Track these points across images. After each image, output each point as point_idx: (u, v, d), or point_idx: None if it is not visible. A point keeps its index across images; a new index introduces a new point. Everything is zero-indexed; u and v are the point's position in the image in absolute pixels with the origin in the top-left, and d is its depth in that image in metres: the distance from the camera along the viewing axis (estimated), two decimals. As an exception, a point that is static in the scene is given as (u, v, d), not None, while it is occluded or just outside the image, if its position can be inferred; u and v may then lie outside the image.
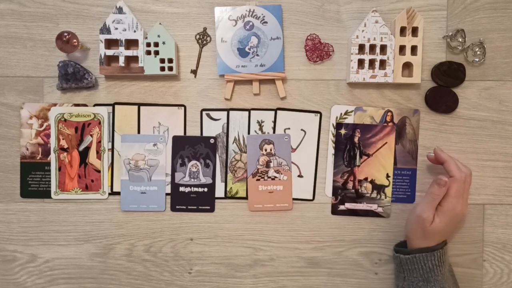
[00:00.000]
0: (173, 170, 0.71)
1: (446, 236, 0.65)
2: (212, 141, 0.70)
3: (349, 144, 0.71)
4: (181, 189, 0.71)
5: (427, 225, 0.63)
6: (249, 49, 0.69)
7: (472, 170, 0.71)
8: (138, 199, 0.71)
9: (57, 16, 0.70)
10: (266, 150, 0.70)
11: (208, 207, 0.71)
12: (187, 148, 0.70)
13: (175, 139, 0.71)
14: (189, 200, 0.71)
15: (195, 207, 0.71)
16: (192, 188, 0.71)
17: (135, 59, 0.69)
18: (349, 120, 0.71)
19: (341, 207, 0.71)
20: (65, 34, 0.67)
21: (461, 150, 0.71)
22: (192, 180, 0.71)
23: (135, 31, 0.67)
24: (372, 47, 0.67)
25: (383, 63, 0.68)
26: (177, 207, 0.71)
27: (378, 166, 0.71)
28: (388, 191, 0.71)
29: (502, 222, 0.71)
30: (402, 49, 0.68)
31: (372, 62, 0.67)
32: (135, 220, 0.71)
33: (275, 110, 0.71)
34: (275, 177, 0.70)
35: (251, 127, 0.71)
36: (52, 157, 0.70)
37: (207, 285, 0.72)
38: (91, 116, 0.70)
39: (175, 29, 0.70)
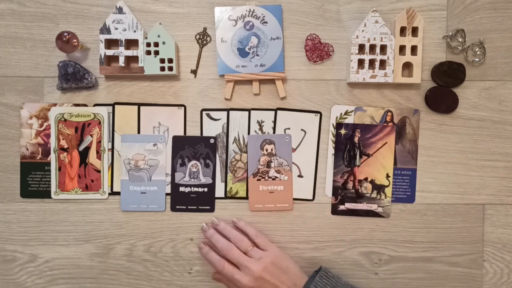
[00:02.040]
0: (173, 170, 0.71)
1: None
2: (212, 141, 0.70)
3: (349, 144, 0.71)
4: (181, 189, 0.71)
5: None
6: (249, 49, 0.69)
7: (472, 170, 0.71)
8: (138, 199, 0.71)
9: (57, 16, 0.70)
10: (267, 150, 0.70)
11: (208, 207, 0.71)
12: (187, 148, 0.70)
13: (175, 139, 0.71)
14: (189, 200, 0.71)
15: (195, 207, 0.71)
16: (192, 188, 0.71)
17: (135, 59, 0.69)
18: (349, 120, 0.71)
19: (341, 207, 0.71)
20: (65, 34, 0.67)
21: (461, 150, 0.71)
22: (192, 180, 0.71)
23: (135, 31, 0.67)
24: (372, 47, 0.67)
25: (383, 63, 0.68)
26: (177, 207, 0.71)
27: (378, 166, 0.71)
28: (388, 191, 0.71)
29: (502, 222, 0.71)
30: (402, 49, 0.68)
31: (372, 62, 0.67)
32: (135, 220, 0.71)
33: (275, 110, 0.71)
34: (276, 177, 0.70)
35: (251, 127, 0.71)
36: (52, 157, 0.70)
37: (207, 285, 0.72)
38: (91, 116, 0.70)
39: (175, 29, 0.70)
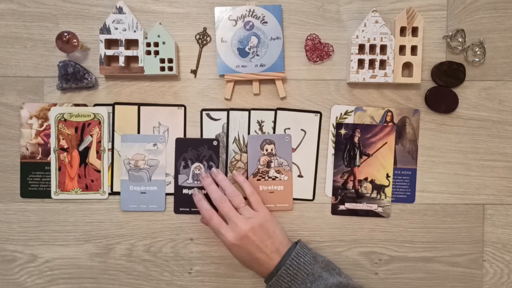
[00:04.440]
0: (176, 172, 0.71)
1: (250, 259, 0.63)
2: (215, 143, 0.70)
3: (349, 144, 0.71)
4: (185, 191, 0.71)
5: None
6: (249, 49, 0.69)
7: (472, 170, 0.71)
8: (138, 199, 0.71)
9: (57, 16, 0.70)
10: (267, 150, 0.70)
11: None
12: (190, 150, 0.70)
13: (178, 141, 0.70)
14: (193, 202, 0.70)
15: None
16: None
17: (135, 59, 0.69)
18: (349, 120, 0.71)
19: (341, 207, 0.71)
20: (65, 34, 0.67)
21: (461, 150, 0.71)
22: (196, 182, 0.71)
23: (135, 31, 0.67)
24: (372, 47, 0.67)
25: (383, 63, 0.68)
26: (180, 209, 0.71)
27: (378, 166, 0.71)
28: (388, 191, 0.71)
29: (502, 222, 0.71)
30: (402, 49, 0.68)
31: (372, 62, 0.67)
32: (135, 220, 0.71)
33: (275, 110, 0.71)
34: (276, 177, 0.70)
35: (251, 127, 0.71)
36: (52, 157, 0.70)
37: (207, 285, 0.72)
38: (91, 116, 0.70)
39: (175, 29, 0.70)
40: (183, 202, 0.71)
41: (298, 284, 0.61)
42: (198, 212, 0.71)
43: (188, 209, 0.71)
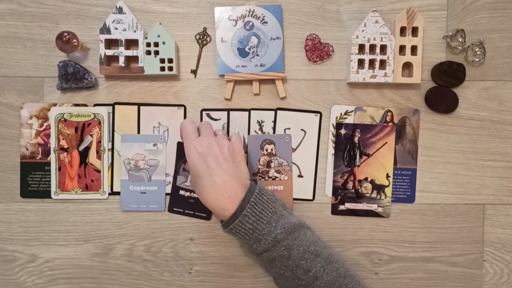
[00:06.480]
0: (176, 172, 0.71)
1: (200, 194, 0.59)
2: None
3: (349, 144, 0.71)
4: (181, 192, 0.71)
5: None
6: (249, 49, 0.69)
7: (472, 170, 0.71)
8: (138, 199, 0.71)
9: (57, 16, 0.70)
10: (267, 150, 0.70)
11: (205, 215, 0.70)
12: None
13: (180, 145, 0.70)
14: (187, 205, 0.70)
15: (192, 213, 0.71)
16: (192, 193, 0.70)
17: (135, 59, 0.69)
18: (349, 120, 0.71)
19: (341, 207, 0.71)
20: (65, 34, 0.67)
21: (461, 150, 0.71)
22: None
23: (135, 31, 0.67)
24: (372, 47, 0.67)
25: (383, 63, 0.68)
26: (174, 209, 0.71)
27: (378, 166, 0.71)
28: (388, 191, 0.71)
29: (502, 222, 0.71)
30: (402, 49, 0.68)
31: (372, 62, 0.67)
32: (135, 220, 0.71)
33: (275, 110, 0.71)
34: (276, 177, 0.70)
35: (251, 127, 0.71)
36: (52, 157, 0.70)
37: (207, 285, 0.72)
38: (91, 116, 0.70)
39: (175, 29, 0.70)
40: (178, 203, 0.71)
41: (263, 225, 0.56)
42: (192, 216, 0.71)
43: (182, 210, 0.71)
